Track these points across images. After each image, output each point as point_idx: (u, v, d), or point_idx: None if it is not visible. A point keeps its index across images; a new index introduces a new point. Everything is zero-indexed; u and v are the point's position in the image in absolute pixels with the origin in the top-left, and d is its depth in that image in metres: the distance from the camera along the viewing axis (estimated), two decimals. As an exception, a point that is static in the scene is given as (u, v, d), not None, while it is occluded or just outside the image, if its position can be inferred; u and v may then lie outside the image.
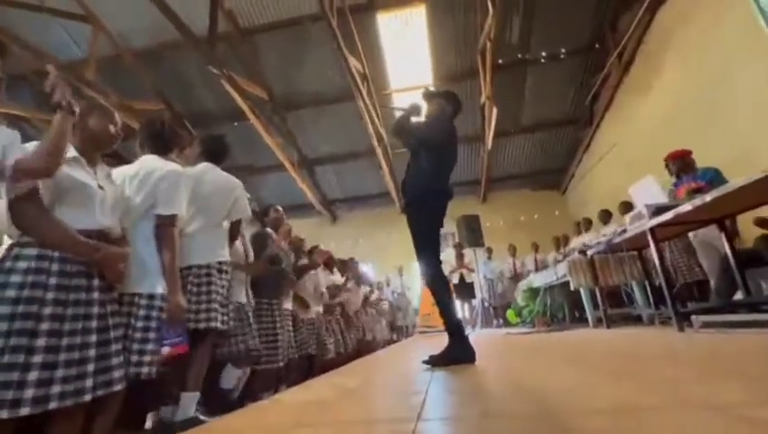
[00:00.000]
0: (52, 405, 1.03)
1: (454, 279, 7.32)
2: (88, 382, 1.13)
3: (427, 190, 2.15)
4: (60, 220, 1.19)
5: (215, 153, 2.07)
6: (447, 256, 8.22)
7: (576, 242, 6.14)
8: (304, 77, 6.79)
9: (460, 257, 7.51)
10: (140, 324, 1.42)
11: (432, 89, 2.48)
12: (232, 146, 8.58)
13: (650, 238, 2.82)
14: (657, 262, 2.86)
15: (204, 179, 1.91)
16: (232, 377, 2.12)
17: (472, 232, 6.65)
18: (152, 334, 1.42)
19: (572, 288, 4.29)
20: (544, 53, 6.69)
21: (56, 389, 1.05)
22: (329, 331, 3.73)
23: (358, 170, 9.34)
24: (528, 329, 5.29)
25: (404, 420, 0.92)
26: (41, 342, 1.05)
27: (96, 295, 1.23)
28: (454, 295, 7.62)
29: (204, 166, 1.99)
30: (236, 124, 7.39)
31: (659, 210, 2.72)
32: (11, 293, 1.05)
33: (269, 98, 6.73)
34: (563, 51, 6.68)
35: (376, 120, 7.24)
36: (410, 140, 2.28)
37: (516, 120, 8.05)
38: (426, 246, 2.15)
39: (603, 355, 2.00)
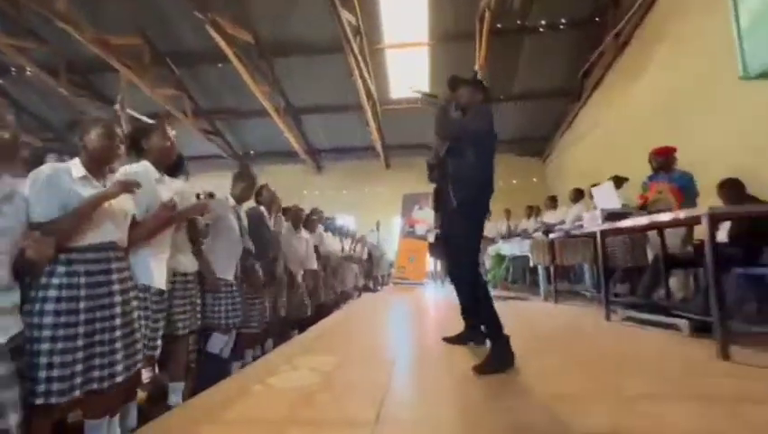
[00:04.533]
0: (93, 386, 1.31)
1: (431, 238, 7.77)
2: (119, 367, 1.39)
3: (480, 186, 2.13)
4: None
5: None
6: (425, 215, 8.62)
7: (546, 218, 6.52)
8: (294, 23, 6.43)
9: (439, 217, 7.86)
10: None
11: (458, 75, 2.34)
12: (217, 89, 8.21)
13: (599, 237, 3.21)
14: (600, 255, 3.27)
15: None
16: (219, 342, 2.46)
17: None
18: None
19: (531, 265, 4.77)
20: (543, 22, 6.53)
21: (95, 373, 1.33)
22: (307, 289, 4.00)
23: (345, 121, 9.20)
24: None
25: (362, 424, 1.27)
26: (80, 342, 1.30)
27: (117, 298, 1.44)
28: (429, 253, 8.18)
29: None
30: (220, 66, 7.07)
31: (610, 216, 3.08)
32: (49, 307, 1.28)
33: (255, 42, 6.42)
34: (563, 21, 6.52)
35: (366, 77, 7.07)
36: (456, 138, 2.17)
37: (506, 88, 8.02)
38: (472, 249, 2.15)
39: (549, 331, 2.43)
